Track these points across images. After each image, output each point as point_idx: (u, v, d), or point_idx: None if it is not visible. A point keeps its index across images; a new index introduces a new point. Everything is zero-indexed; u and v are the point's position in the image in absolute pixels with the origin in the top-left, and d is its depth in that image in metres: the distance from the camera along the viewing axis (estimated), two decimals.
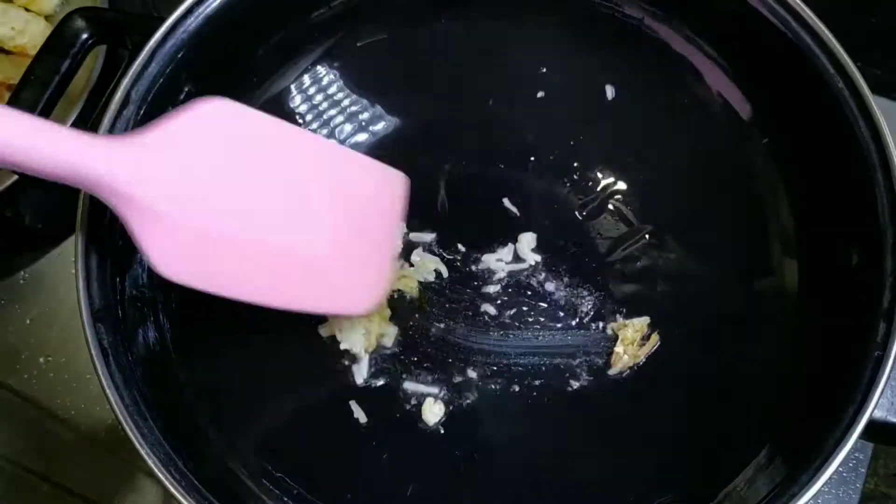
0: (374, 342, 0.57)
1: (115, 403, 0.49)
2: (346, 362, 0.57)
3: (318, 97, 0.64)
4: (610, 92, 0.63)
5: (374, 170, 0.56)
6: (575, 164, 0.61)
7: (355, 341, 0.57)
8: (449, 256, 0.60)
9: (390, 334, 0.57)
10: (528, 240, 0.59)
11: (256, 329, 0.58)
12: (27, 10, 0.74)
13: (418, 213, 0.60)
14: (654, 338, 0.57)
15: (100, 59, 0.67)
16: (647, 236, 0.60)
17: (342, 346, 0.57)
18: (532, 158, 0.61)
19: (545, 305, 0.58)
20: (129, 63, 0.54)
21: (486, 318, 0.58)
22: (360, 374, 0.57)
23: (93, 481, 0.68)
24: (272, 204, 0.49)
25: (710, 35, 0.62)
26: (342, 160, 0.54)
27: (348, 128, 0.63)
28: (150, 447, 0.48)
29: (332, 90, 0.64)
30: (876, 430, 0.49)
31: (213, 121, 0.47)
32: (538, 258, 0.59)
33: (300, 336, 0.58)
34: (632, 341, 0.57)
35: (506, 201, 0.61)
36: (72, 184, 0.43)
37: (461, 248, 0.60)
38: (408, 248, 0.59)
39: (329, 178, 0.53)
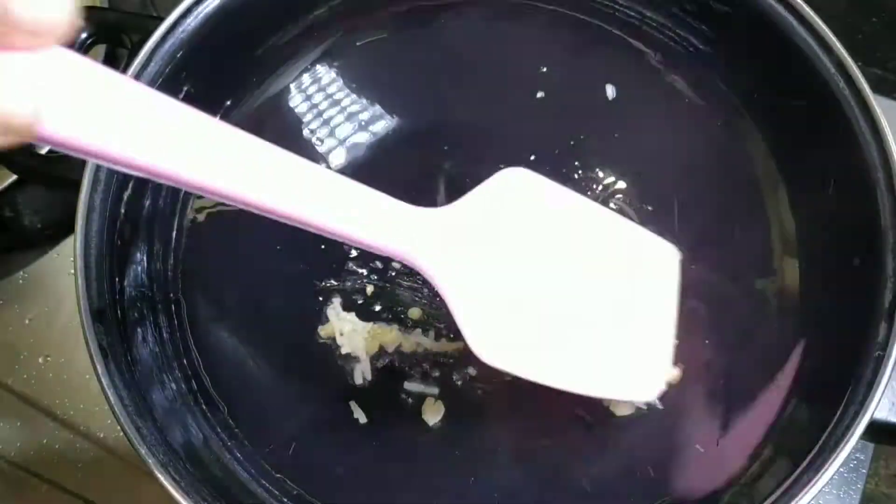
0: (376, 346, 0.57)
1: (115, 403, 0.49)
2: (347, 363, 0.57)
3: (318, 97, 0.64)
4: (610, 92, 0.63)
5: (652, 243, 0.53)
6: (575, 164, 0.61)
7: (357, 345, 0.57)
8: None
9: (393, 338, 0.57)
10: None
11: (256, 329, 0.58)
12: None
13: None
14: None
15: (99, 58, 0.67)
16: None
17: (343, 351, 0.57)
18: (532, 158, 0.61)
19: None
20: (129, 63, 0.54)
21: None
22: (361, 375, 0.57)
23: (93, 481, 0.68)
24: (567, 277, 0.48)
25: (709, 35, 0.62)
26: (627, 231, 0.52)
27: (348, 127, 0.63)
28: (150, 447, 0.48)
29: (331, 90, 0.64)
30: (877, 431, 0.49)
31: (514, 188, 0.47)
32: None
33: (300, 337, 0.58)
34: None
35: None
36: (384, 254, 0.42)
37: None
38: None
39: (615, 253, 0.50)
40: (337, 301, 0.58)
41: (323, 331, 0.58)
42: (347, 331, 0.57)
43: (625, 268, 0.51)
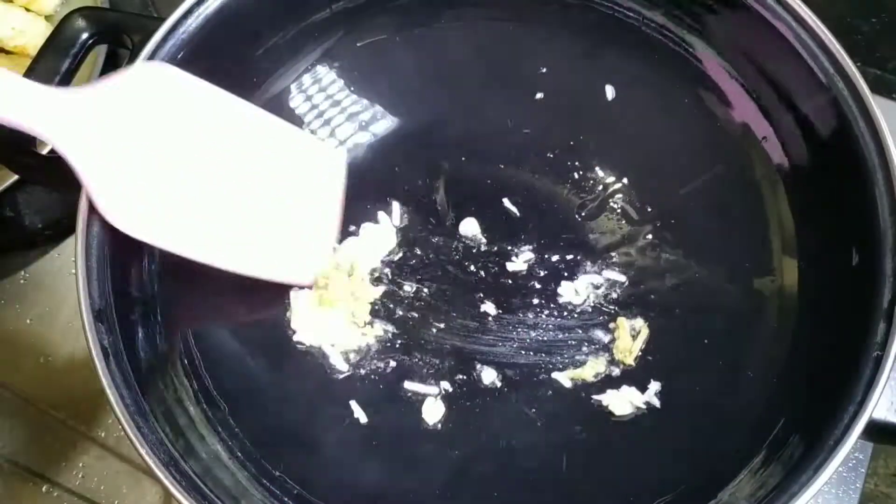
0: (350, 342, 0.57)
1: (115, 403, 0.49)
2: (319, 358, 0.57)
3: (319, 97, 0.64)
4: (610, 92, 0.63)
5: (312, 144, 0.59)
6: (576, 164, 0.61)
7: (312, 334, 0.57)
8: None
9: (365, 335, 0.58)
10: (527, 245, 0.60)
11: (256, 329, 0.58)
12: (27, 10, 0.74)
13: (418, 213, 0.60)
14: (645, 331, 0.57)
15: (100, 58, 0.67)
16: (647, 236, 0.60)
17: (296, 338, 0.57)
18: (532, 157, 0.61)
19: (545, 304, 0.58)
20: (129, 63, 0.54)
21: (486, 317, 0.58)
22: (335, 366, 0.57)
23: (92, 481, 0.68)
24: (212, 166, 0.53)
25: (709, 36, 0.62)
26: (283, 132, 0.58)
27: (349, 127, 0.63)
28: (150, 447, 0.48)
29: (332, 90, 0.64)
30: (876, 430, 0.49)
31: (154, 82, 0.51)
32: (532, 257, 0.59)
33: (297, 338, 0.58)
34: (630, 340, 0.57)
35: (506, 201, 0.61)
36: (18, 128, 0.46)
37: (460, 247, 0.60)
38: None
39: (270, 148, 0.56)
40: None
41: (288, 313, 0.58)
42: (306, 315, 0.57)
43: (281, 163, 0.56)
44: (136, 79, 0.50)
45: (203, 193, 0.53)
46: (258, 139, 0.56)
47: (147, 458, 0.48)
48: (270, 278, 0.56)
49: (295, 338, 0.58)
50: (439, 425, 0.56)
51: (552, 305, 0.58)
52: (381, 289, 0.59)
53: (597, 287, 0.59)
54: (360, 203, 0.61)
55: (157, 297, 0.58)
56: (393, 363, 0.57)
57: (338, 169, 0.60)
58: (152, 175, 0.51)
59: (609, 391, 0.56)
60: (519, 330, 0.58)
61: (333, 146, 0.60)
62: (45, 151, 0.59)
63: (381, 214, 0.61)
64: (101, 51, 0.66)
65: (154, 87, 0.51)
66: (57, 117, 0.46)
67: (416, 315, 0.59)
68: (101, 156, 0.48)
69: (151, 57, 0.54)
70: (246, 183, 0.55)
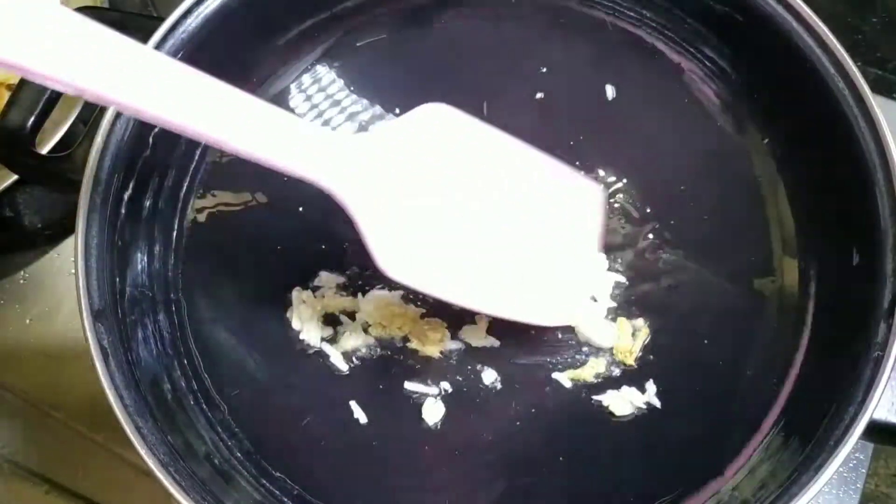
0: (351, 342, 0.57)
1: (115, 403, 0.49)
2: (320, 357, 0.57)
3: (319, 97, 0.64)
4: (610, 92, 0.63)
5: (575, 179, 0.57)
6: (576, 164, 0.61)
7: (311, 325, 0.57)
8: None
9: (341, 304, 0.58)
10: None
11: (256, 329, 0.58)
12: None
13: None
14: (645, 331, 0.57)
15: None
16: (647, 236, 0.60)
17: (301, 336, 0.57)
18: None
19: None
20: None
21: (486, 317, 0.58)
22: (335, 366, 0.57)
23: (93, 481, 0.68)
24: (485, 209, 0.51)
25: (709, 36, 0.62)
26: (548, 168, 0.55)
27: (349, 127, 0.63)
28: (150, 447, 0.48)
29: (332, 90, 0.64)
30: (876, 431, 0.49)
31: (434, 122, 0.49)
32: None
33: (297, 338, 0.58)
34: (630, 340, 0.57)
35: None
36: (297, 177, 0.44)
37: None
38: None
39: (538, 187, 0.54)
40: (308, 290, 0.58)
41: (288, 313, 0.58)
42: (306, 315, 0.57)
43: (545, 201, 0.54)
44: (417, 120, 0.49)
45: (474, 237, 0.51)
46: (527, 176, 0.54)
47: (147, 458, 0.48)
48: (534, 322, 0.55)
49: (295, 338, 0.58)
50: (439, 425, 0.56)
51: None
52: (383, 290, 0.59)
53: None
54: None
55: (157, 297, 0.58)
56: (393, 363, 0.57)
57: (598, 204, 0.58)
58: (427, 221, 0.49)
59: (609, 391, 0.56)
60: (518, 330, 0.58)
61: (592, 181, 0.58)
62: (45, 151, 0.59)
63: None
64: None
65: (433, 127, 0.49)
66: (343, 170, 0.44)
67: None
68: (380, 209, 0.46)
69: None
70: (515, 223, 0.53)
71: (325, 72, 0.64)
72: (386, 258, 0.47)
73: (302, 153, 0.43)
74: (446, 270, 0.50)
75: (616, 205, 0.60)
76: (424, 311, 0.58)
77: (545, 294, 0.55)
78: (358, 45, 0.65)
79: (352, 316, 0.58)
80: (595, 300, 0.58)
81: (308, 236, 0.59)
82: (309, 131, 0.44)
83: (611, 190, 0.61)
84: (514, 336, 0.58)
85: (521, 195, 0.54)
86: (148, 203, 0.58)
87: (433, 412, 0.56)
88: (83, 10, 0.57)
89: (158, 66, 0.40)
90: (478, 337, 0.57)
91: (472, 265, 0.51)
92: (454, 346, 0.57)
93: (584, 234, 0.57)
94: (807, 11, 0.55)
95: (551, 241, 0.55)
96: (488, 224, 0.52)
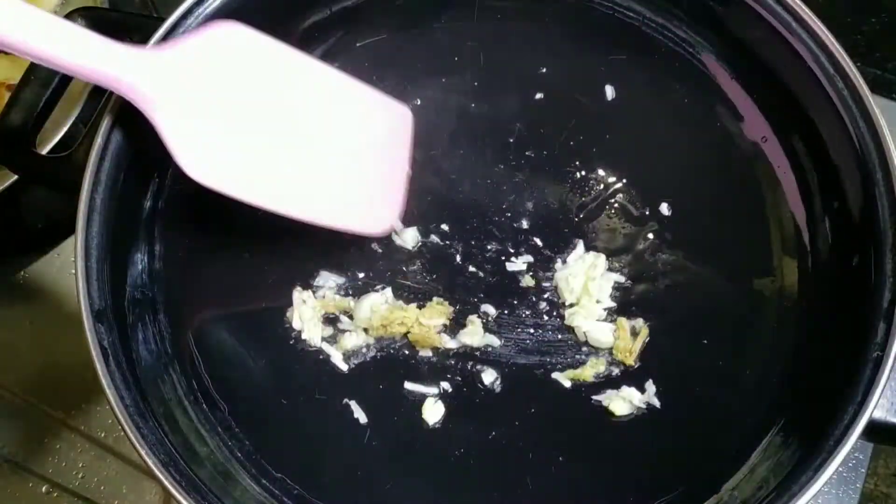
0: (351, 342, 0.57)
1: (114, 403, 0.49)
2: (320, 355, 0.57)
3: None
4: (610, 92, 0.63)
5: (381, 100, 0.60)
6: (576, 164, 0.61)
7: (311, 324, 0.57)
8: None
9: (341, 304, 0.58)
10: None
11: (256, 329, 0.58)
12: None
13: (418, 213, 0.60)
14: (645, 331, 0.57)
15: None
16: (647, 236, 0.60)
17: (304, 336, 0.57)
18: (532, 156, 0.61)
19: (545, 305, 0.58)
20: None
21: (486, 317, 0.58)
22: (335, 366, 0.57)
23: (92, 481, 0.68)
24: (287, 120, 0.55)
25: (709, 35, 0.62)
26: (352, 88, 0.58)
27: None
28: (150, 447, 0.48)
29: None
30: (876, 431, 0.49)
31: (230, 41, 0.52)
32: (532, 258, 0.59)
33: (297, 338, 0.58)
34: (630, 340, 0.57)
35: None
36: (102, 84, 0.49)
37: (460, 247, 0.60)
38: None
39: (340, 103, 0.57)
40: (308, 290, 0.58)
41: (289, 313, 0.58)
42: (307, 315, 0.57)
43: (349, 116, 0.58)
44: (212, 38, 0.52)
45: (277, 146, 0.54)
46: (329, 94, 0.57)
47: (147, 458, 0.48)
48: (345, 228, 0.57)
49: (295, 338, 0.58)
50: (439, 425, 0.56)
51: (552, 306, 0.58)
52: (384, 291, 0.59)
53: None
54: None
55: (157, 297, 0.58)
56: (393, 363, 0.57)
57: (405, 124, 0.61)
58: (228, 129, 0.52)
59: (609, 391, 0.56)
60: (518, 330, 0.58)
61: (396, 103, 0.61)
62: (45, 151, 0.59)
63: None
64: None
65: (229, 45, 0.53)
66: (139, 75, 0.49)
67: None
68: (180, 113, 0.50)
69: None
70: (318, 136, 0.56)
71: None
72: (189, 161, 0.51)
73: (99, 60, 0.48)
74: (252, 177, 0.54)
75: (616, 205, 0.60)
76: (422, 304, 0.58)
77: (358, 203, 0.58)
78: (358, 45, 0.65)
79: (352, 316, 0.58)
80: (597, 301, 0.58)
81: (308, 236, 0.59)
82: (106, 42, 0.48)
83: (611, 190, 0.61)
84: (513, 336, 0.58)
85: (322, 109, 0.57)
86: (148, 203, 0.58)
87: (433, 412, 0.56)
88: (83, 9, 0.57)
89: None
90: (477, 337, 0.57)
91: (278, 173, 0.55)
92: (454, 345, 0.57)
93: (394, 148, 0.60)
94: (807, 11, 0.55)
95: (359, 154, 0.58)
96: (292, 134, 0.55)
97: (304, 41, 0.64)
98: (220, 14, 0.56)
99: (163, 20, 0.55)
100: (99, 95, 0.64)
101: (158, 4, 0.78)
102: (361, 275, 0.59)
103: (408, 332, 0.57)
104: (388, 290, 0.58)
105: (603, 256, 0.58)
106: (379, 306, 0.57)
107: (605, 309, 0.58)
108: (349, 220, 0.58)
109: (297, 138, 0.56)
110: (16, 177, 0.65)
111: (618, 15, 0.64)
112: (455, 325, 0.58)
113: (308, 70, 0.57)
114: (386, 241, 0.60)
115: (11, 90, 0.58)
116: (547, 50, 0.64)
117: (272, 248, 0.60)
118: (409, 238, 0.59)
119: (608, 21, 0.64)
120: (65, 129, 0.65)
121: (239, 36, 0.53)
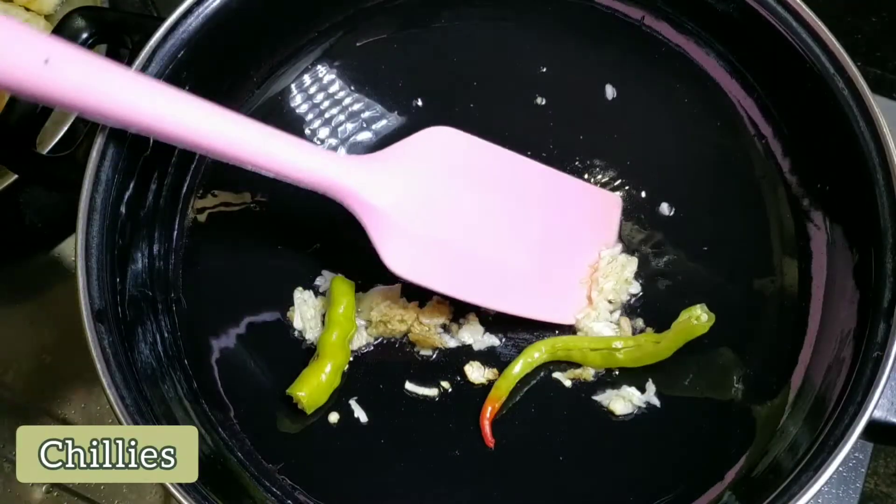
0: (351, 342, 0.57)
1: (115, 403, 0.49)
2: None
3: (319, 96, 0.64)
4: (610, 92, 0.63)
5: (586, 191, 0.60)
6: (576, 164, 0.61)
7: (314, 334, 0.57)
8: None
9: (366, 335, 0.58)
10: None
11: (256, 329, 0.58)
12: (27, 9, 0.74)
13: None
14: (649, 331, 0.57)
15: None
16: (647, 236, 0.60)
17: (307, 336, 0.57)
18: (531, 156, 0.61)
19: None
20: (130, 63, 0.54)
21: (487, 317, 0.58)
22: None
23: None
24: (488, 218, 0.56)
25: (709, 36, 0.62)
26: (555, 182, 0.59)
27: (350, 126, 0.63)
28: None
29: (332, 89, 0.64)
30: (876, 430, 0.49)
31: (436, 142, 0.55)
32: None
33: (298, 338, 0.58)
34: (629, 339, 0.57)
35: None
36: (320, 192, 0.52)
37: None
38: None
39: (542, 199, 0.58)
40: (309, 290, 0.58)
41: (289, 314, 0.58)
42: (308, 315, 0.57)
43: (551, 210, 0.58)
44: (420, 141, 0.55)
45: (478, 242, 0.56)
46: (534, 188, 0.58)
47: None
48: (537, 318, 0.57)
49: (296, 338, 0.58)
50: (439, 425, 0.56)
51: None
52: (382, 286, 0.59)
53: None
54: None
55: (157, 297, 0.58)
56: (393, 363, 0.57)
57: (614, 212, 0.60)
58: (432, 228, 0.54)
59: (609, 391, 0.56)
60: (519, 330, 0.58)
61: (608, 191, 0.60)
62: (45, 151, 0.59)
63: None
64: (100, 50, 0.66)
65: (436, 146, 0.55)
66: (356, 183, 0.52)
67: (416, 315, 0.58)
68: (388, 215, 0.53)
69: (151, 57, 0.54)
70: (520, 231, 0.57)
71: (325, 71, 0.64)
72: (394, 260, 0.53)
73: (320, 171, 0.51)
74: (454, 272, 0.55)
75: None
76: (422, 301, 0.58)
77: (545, 294, 0.57)
78: (358, 45, 0.65)
79: None
80: (610, 301, 0.58)
81: (309, 236, 0.59)
82: (324, 153, 0.53)
83: (610, 190, 0.61)
84: (514, 335, 0.58)
85: (526, 204, 0.58)
86: (148, 203, 0.58)
87: (434, 411, 0.56)
88: (83, 9, 0.57)
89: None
90: (477, 336, 0.57)
91: (478, 268, 0.56)
92: (454, 344, 0.57)
93: (594, 238, 0.59)
94: (807, 11, 0.55)
95: (555, 245, 0.58)
96: (493, 230, 0.56)
97: (305, 41, 0.64)
98: (220, 14, 0.56)
99: (163, 20, 0.55)
100: None
101: (158, 4, 0.78)
102: (364, 273, 0.59)
103: (408, 332, 0.57)
104: (397, 286, 0.58)
105: (635, 259, 0.58)
106: (380, 302, 0.57)
107: (611, 311, 0.58)
108: (542, 310, 0.57)
109: (500, 233, 0.57)
110: (16, 176, 0.65)
111: (617, 15, 0.64)
112: (455, 325, 0.58)
113: (513, 165, 0.57)
114: None
115: None
116: (547, 50, 0.64)
117: (273, 247, 0.60)
118: None
119: (608, 21, 0.64)
120: (65, 129, 0.65)
121: (444, 136, 0.55)
